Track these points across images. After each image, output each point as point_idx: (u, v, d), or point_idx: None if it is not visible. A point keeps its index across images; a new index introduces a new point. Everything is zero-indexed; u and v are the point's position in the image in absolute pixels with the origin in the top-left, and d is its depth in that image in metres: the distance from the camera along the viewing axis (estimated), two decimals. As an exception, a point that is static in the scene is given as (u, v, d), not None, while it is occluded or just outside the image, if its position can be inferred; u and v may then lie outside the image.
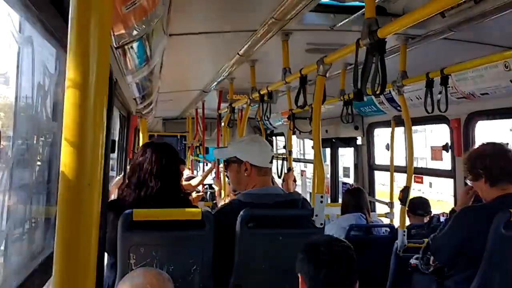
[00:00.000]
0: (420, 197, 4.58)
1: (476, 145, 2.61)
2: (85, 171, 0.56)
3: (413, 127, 3.32)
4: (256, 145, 2.58)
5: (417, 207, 4.20)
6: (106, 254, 2.35)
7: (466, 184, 3.51)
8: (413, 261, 2.70)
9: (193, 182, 5.82)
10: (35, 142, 1.14)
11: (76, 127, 0.56)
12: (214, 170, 6.51)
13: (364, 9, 2.00)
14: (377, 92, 2.01)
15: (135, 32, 1.89)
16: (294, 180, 5.92)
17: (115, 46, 1.98)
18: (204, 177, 6.46)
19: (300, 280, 1.74)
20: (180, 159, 5.27)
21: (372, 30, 1.90)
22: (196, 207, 2.51)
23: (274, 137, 9.42)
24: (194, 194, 5.85)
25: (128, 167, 4.36)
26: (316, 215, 2.37)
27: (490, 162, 2.37)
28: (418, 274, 2.66)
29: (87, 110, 0.56)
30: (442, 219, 4.20)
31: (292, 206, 2.45)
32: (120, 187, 2.42)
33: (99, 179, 0.58)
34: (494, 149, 2.43)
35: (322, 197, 2.39)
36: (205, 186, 7.80)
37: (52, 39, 1.14)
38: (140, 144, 5.39)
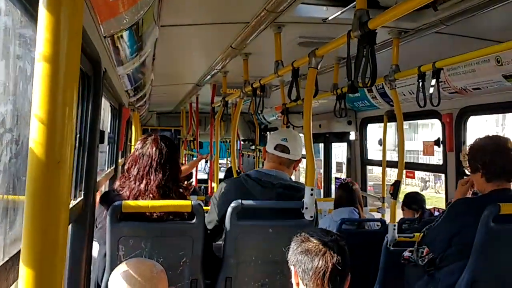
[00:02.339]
0: (416, 192, 4.62)
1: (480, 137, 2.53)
2: (54, 148, 0.55)
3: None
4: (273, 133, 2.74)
5: (412, 201, 4.22)
6: (98, 244, 2.34)
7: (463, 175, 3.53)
8: (406, 254, 2.70)
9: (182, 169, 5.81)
10: (15, 127, 1.12)
11: (45, 102, 0.54)
12: (208, 164, 6.51)
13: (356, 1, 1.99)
14: (368, 85, 2.01)
15: (124, 21, 1.87)
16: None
17: (104, 35, 1.96)
18: (192, 164, 6.43)
19: (293, 272, 1.74)
20: None
21: (363, 22, 1.89)
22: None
23: (268, 132, 9.42)
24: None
25: (120, 160, 4.34)
26: (306, 208, 2.37)
27: (490, 160, 2.34)
28: (410, 266, 2.67)
29: (57, 85, 0.55)
30: (436, 213, 4.23)
31: (294, 190, 2.52)
32: (120, 179, 2.40)
33: (70, 156, 0.57)
34: (496, 146, 2.37)
35: (312, 189, 2.39)
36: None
37: (32, 20, 1.11)
38: (133, 137, 5.37)
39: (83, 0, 0.58)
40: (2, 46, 0.99)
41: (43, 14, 0.54)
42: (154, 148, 2.30)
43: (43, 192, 0.55)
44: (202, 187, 8.32)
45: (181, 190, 2.36)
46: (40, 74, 0.54)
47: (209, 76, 4.70)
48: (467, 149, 2.50)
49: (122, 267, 1.75)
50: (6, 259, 1.06)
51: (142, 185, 2.25)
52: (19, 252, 1.21)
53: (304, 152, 2.59)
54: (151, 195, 2.23)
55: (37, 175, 0.55)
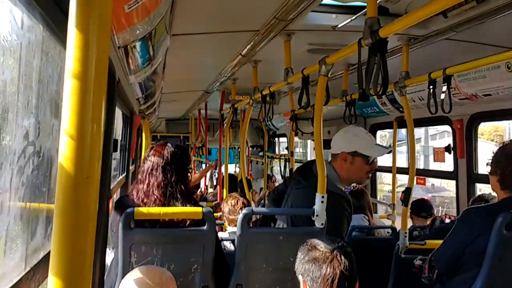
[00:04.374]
0: (423, 199, 4.59)
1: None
2: (83, 164, 0.57)
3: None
4: None
5: (420, 209, 4.20)
6: (113, 249, 2.37)
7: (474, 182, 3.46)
8: (417, 262, 2.69)
9: (192, 178, 5.83)
10: (37, 139, 1.15)
11: (74, 119, 0.56)
12: (217, 171, 6.52)
13: (366, 9, 2.01)
14: (379, 93, 2.01)
15: (137, 32, 1.90)
16: None
17: (118, 45, 1.99)
18: (203, 173, 6.46)
19: (301, 281, 1.75)
20: None
21: (374, 30, 1.90)
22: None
23: (276, 139, 9.43)
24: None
25: (131, 167, 4.37)
26: (317, 215, 2.38)
27: (509, 170, 2.30)
28: (422, 275, 2.65)
29: (86, 102, 0.56)
30: (447, 220, 4.19)
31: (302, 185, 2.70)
32: (133, 184, 2.47)
33: (97, 172, 0.59)
34: None
35: (323, 197, 2.40)
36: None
37: (54, 35, 1.14)
38: (143, 144, 5.41)
39: (111, 19, 0.60)
40: (25, 60, 1.01)
41: (72, 32, 0.56)
42: (157, 154, 2.36)
43: (72, 207, 0.57)
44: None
45: (186, 191, 2.40)
46: (69, 91, 0.56)
47: (218, 83, 4.73)
48: (497, 150, 2.41)
49: (133, 274, 1.77)
50: (27, 269, 1.08)
51: (145, 186, 2.30)
52: (40, 262, 1.24)
53: (340, 148, 2.68)
54: (153, 197, 2.27)
55: (66, 190, 0.57)
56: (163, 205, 2.27)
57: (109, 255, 2.37)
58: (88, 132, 0.57)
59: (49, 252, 1.22)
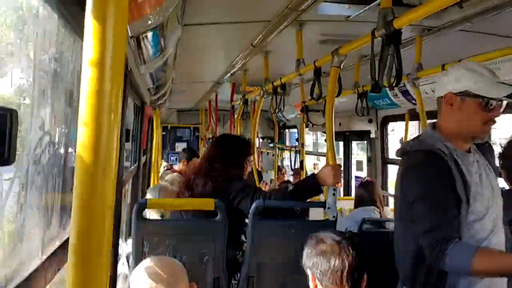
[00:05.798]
0: None
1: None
2: (100, 153, 0.57)
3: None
4: None
5: None
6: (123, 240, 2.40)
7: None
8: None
9: None
10: (52, 129, 1.16)
11: (92, 109, 0.57)
12: None
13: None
14: (393, 84, 1.99)
15: (149, 22, 1.89)
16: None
17: (130, 35, 1.99)
18: None
19: (310, 276, 1.75)
20: (194, 152, 5.30)
21: (388, 21, 1.88)
22: None
23: (287, 130, 9.41)
24: None
25: (142, 157, 4.39)
26: (329, 208, 2.38)
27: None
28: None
29: (104, 91, 0.57)
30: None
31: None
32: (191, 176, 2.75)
33: (114, 164, 0.59)
34: None
35: (334, 189, 2.39)
36: None
37: (68, 25, 1.14)
38: (154, 134, 5.43)
39: (127, 7, 0.59)
40: (39, 50, 1.02)
41: (90, 21, 0.55)
42: (220, 150, 2.75)
43: (89, 197, 0.57)
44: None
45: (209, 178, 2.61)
46: (87, 80, 0.56)
47: (229, 74, 4.72)
48: (505, 145, 2.37)
49: (144, 264, 1.79)
50: (44, 258, 1.10)
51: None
52: (55, 251, 1.25)
53: (445, 88, 1.91)
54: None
55: (84, 179, 0.57)
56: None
57: (121, 245, 2.40)
58: (105, 121, 0.57)
59: (64, 241, 1.23)
